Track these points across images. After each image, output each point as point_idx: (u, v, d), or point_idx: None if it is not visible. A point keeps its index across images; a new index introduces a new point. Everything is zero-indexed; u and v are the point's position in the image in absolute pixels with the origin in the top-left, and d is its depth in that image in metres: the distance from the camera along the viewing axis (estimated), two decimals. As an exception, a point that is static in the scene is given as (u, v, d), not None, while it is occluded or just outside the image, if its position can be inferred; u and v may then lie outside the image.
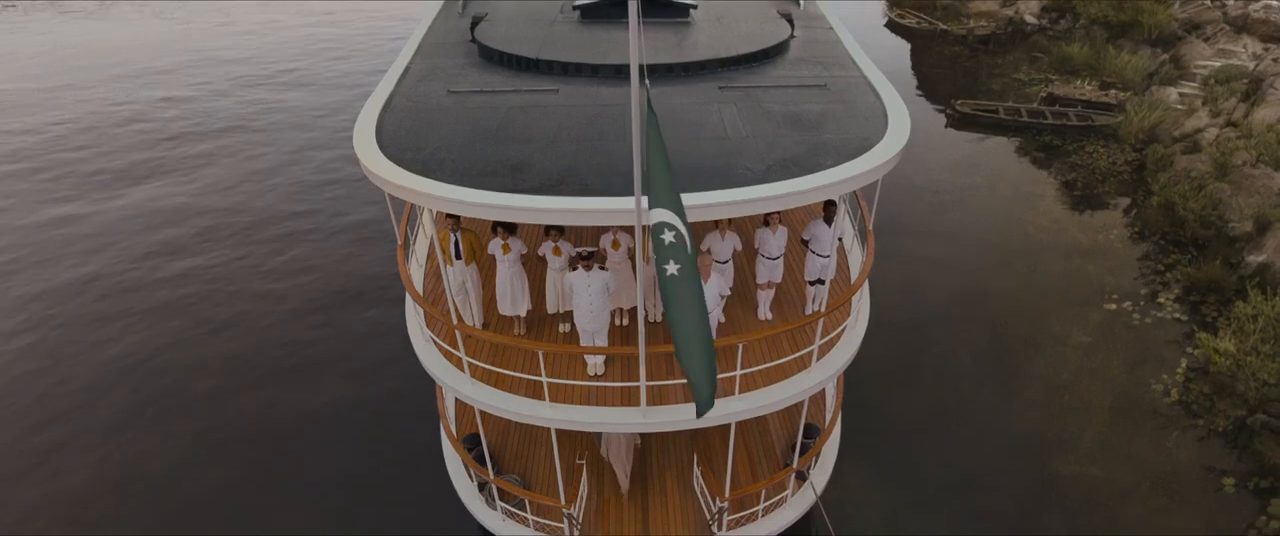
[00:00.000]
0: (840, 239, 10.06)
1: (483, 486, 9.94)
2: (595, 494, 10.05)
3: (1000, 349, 15.16)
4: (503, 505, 9.56)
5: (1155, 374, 14.33)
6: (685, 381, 8.11)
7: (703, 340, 5.61)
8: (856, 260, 10.40)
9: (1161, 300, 16.36)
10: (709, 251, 8.31)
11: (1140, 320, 15.84)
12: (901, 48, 35.18)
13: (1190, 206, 18.34)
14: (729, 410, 7.83)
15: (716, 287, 8.11)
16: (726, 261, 8.74)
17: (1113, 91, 26.90)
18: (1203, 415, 13.30)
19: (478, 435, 9.86)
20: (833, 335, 8.46)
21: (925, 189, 21.54)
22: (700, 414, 6.07)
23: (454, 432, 10.22)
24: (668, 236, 5.42)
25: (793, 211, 11.17)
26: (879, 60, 9.72)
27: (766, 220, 8.89)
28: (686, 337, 5.59)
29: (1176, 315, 15.90)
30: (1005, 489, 12.04)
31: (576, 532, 9.18)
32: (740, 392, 7.97)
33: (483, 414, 9.21)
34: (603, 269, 8.10)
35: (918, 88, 30.16)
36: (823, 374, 8.15)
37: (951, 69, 32.35)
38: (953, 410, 13.65)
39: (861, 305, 9.01)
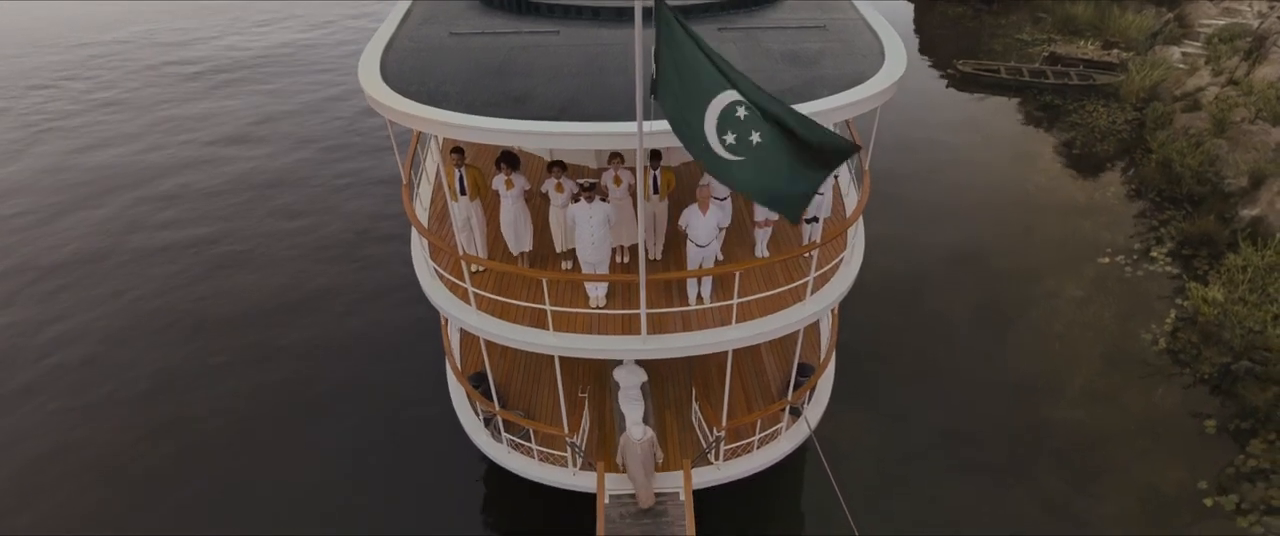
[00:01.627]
0: (835, 178, 10.25)
1: (488, 421, 10.27)
2: (597, 426, 10.39)
3: (995, 302, 15.40)
4: (508, 437, 9.90)
5: (1145, 324, 14.60)
6: (683, 309, 8.38)
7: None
8: (853, 201, 10.59)
9: (1155, 254, 16.57)
10: (708, 185, 8.50)
11: (1133, 273, 16.06)
12: (904, 9, 34.88)
13: (1187, 163, 18.47)
14: (726, 337, 8.10)
15: (715, 220, 8.33)
16: (725, 197, 8.94)
17: (1115, 51, 26.78)
18: (1189, 362, 13.60)
19: (483, 373, 10.17)
20: (828, 267, 8.70)
21: (924, 147, 21.61)
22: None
23: (459, 368, 10.52)
24: (741, 112, 5.70)
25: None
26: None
27: (764, 158, 9.05)
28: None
29: (1169, 269, 16.12)
30: (996, 432, 12.39)
31: (580, 460, 9.53)
32: (737, 323, 8.22)
33: (488, 348, 9.49)
34: (604, 202, 8.31)
35: (920, 48, 30.03)
36: (819, 304, 8.41)
37: (954, 29, 32.13)
38: (946, 359, 13.95)
39: (857, 240, 9.24)
